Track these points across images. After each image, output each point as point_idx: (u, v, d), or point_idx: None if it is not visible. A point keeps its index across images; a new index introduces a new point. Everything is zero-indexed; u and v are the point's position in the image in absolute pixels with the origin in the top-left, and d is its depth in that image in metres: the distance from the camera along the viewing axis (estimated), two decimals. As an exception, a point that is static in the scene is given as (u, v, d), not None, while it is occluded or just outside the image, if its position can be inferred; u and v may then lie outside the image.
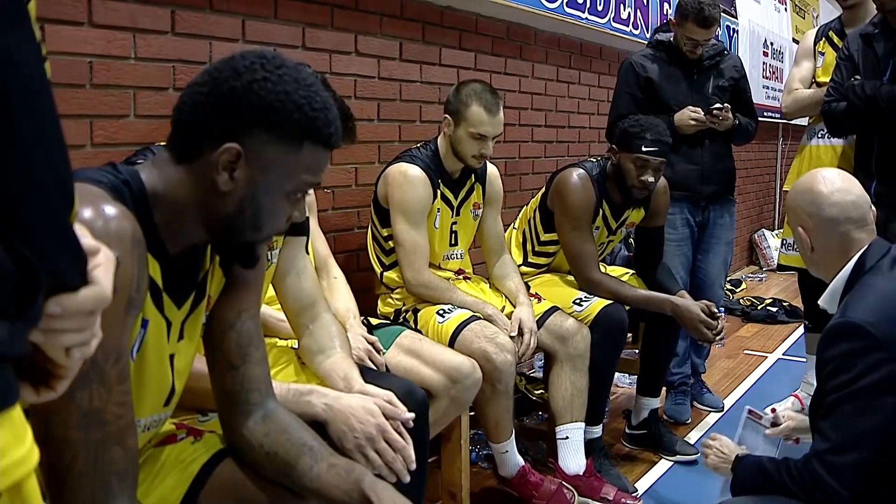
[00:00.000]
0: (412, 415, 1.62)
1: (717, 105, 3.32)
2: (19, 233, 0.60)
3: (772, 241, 7.46)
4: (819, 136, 3.51)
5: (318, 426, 1.54)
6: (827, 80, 3.34)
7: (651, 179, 2.82)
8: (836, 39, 3.47)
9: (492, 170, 2.80)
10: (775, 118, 7.30)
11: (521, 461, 2.61)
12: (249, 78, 1.09)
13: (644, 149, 2.79)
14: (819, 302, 1.76)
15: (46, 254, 0.62)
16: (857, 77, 2.96)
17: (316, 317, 1.90)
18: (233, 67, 1.10)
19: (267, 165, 1.12)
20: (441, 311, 2.52)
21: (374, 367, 2.10)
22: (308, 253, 2.03)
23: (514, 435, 2.61)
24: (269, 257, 1.85)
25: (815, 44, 3.56)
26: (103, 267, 0.71)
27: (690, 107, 3.33)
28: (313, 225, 2.36)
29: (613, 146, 2.90)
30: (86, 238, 0.70)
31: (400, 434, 1.56)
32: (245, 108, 1.09)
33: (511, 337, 2.50)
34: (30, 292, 0.61)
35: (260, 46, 2.17)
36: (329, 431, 1.57)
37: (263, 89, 1.09)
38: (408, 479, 1.52)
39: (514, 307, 2.68)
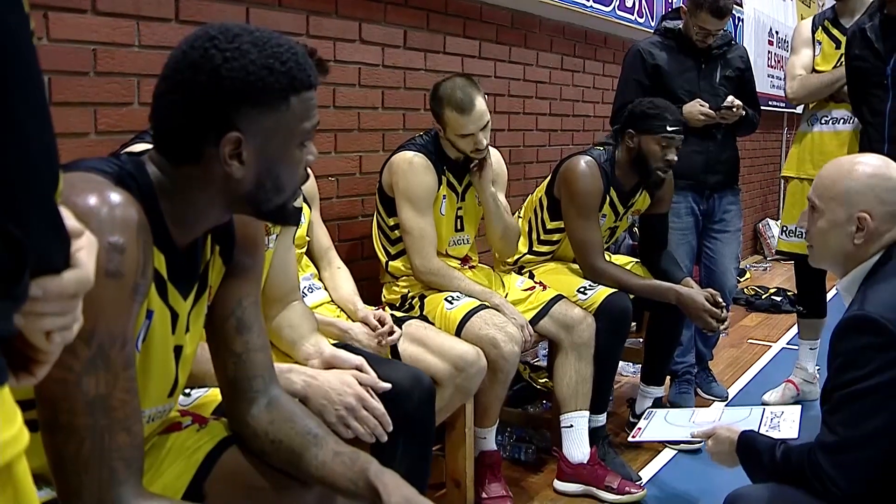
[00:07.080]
0: (388, 385, 1.72)
1: (729, 100, 3.31)
2: (8, 210, 0.59)
3: (776, 231, 7.43)
4: (822, 122, 3.52)
5: None
6: (826, 68, 3.44)
7: (675, 158, 2.86)
8: (831, 29, 3.49)
9: (494, 152, 2.79)
10: (780, 107, 7.27)
11: (493, 447, 2.63)
12: (211, 67, 1.07)
13: (669, 129, 2.82)
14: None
15: (33, 233, 0.61)
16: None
17: (289, 304, 1.95)
18: (191, 63, 1.08)
19: (267, 135, 1.12)
20: (449, 299, 2.52)
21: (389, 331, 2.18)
22: (294, 246, 2.05)
23: (496, 425, 2.62)
24: (267, 242, 1.84)
25: (812, 32, 3.56)
26: (86, 249, 0.69)
27: (700, 101, 3.33)
28: (315, 216, 2.35)
29: (630, 130, 2.89)
30: (69, 220, 0.68)
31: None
32: (223, 96, 1.08)
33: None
34: (16, 270, 0.59)
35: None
36: (309, 406, 1.61)
37: (231, 70, 1.07)
38: (385, 438, 1.64)
39: None
